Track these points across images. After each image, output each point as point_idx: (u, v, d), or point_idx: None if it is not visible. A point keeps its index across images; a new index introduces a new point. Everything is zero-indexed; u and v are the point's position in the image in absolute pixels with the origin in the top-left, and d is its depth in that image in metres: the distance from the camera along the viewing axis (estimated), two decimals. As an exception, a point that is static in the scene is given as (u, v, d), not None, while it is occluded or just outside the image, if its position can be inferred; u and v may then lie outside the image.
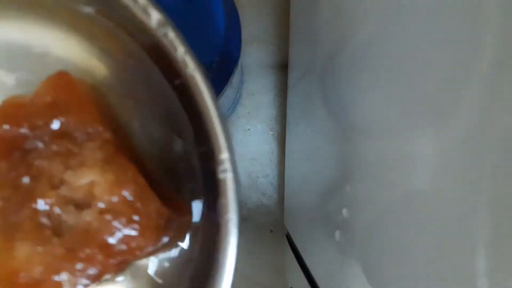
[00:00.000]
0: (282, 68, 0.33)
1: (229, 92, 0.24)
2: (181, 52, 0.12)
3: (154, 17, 0.12)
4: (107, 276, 0.12)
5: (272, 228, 0.34)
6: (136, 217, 0.12)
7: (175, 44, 0.12)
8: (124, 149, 0.13)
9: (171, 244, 0.14)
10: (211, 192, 0.12)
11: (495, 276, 0.08)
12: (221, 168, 0.12)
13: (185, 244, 0.14)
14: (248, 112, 0.34)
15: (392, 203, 0.12)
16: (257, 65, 0.33)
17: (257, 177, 0.34)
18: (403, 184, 0.11)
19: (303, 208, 0.25)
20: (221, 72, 0.19)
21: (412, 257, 0.11)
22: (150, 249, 0.12)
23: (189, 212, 0.14)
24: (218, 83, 0.20)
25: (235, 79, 0.23)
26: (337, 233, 0.16)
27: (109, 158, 0.12)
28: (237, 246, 0.12)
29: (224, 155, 0.12)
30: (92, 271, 0.12)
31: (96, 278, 0.12)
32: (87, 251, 0.12)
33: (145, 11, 0.12)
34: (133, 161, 0.13)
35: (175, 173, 0.14)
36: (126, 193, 0.12)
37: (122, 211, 0.12)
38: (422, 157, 0.10)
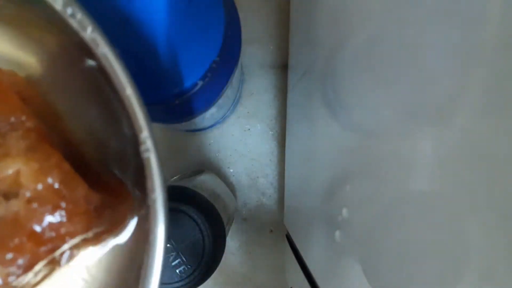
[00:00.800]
0: (282, 68, 0.33)
1: (229, 92, 0.24)
2: (89, 31, 0.12)
3: None
4: (39, 267, 0.12)
5: (272, 228, 0.35)
6: (62, 203, 0.12)
7: (84, 23, 0.12)
8: (50, 137, 0.13)
9: (111, 232, 0.14)
10: (140, 175, 0.12)
11: (493, 275, 0.08)
12: (143, 147, 0.12)
13: (126, 233, 0.14)
14: (248, 112, 0.34)
15: (392, 203, 0.12)
16: (257, 65, 0.33)
17: (257, 177, 0.34)
18: (403, 184, 0.11)
19: (303, 208, 0.25)
20: (221, 72, 0.19)
21: (412, 257, 0.11)
22: (81, 235, 0.12)
23: (129, 197, 0.14)
24: (218, 83, 0.20)
25: (235, 79, 0.23)
26: (337, 233, 0.16)
27: (33, 147, 0.12)
28: (166, 226, 0.12)
29: (144, 133, 0.12)
30: (22, 260, 0.12)
31: (28, 268, 0.12)
32: (16, 240, 0.12)
33: None
34: (68, 149, 0.13)
35: (116, 160, 0.14)
36: (50, 180, 0.12)
37: (48, 198, 0.12)
38: (422, 157, 0.10)
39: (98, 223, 0.13)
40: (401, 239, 0.11)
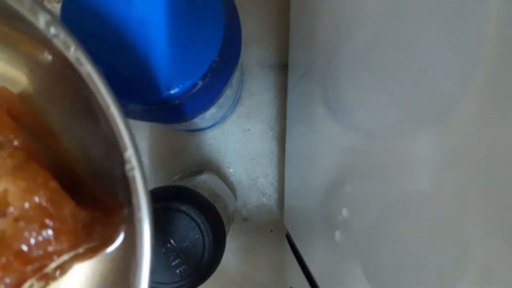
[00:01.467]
0: (282, 68, 0.33)
1: (229, 92, 0.24)
2: (72, 51, 0.12)
3: (42, 18, 0.12)
4: (29, 284, 0.12)
5: (272, 228, 0.35)
6: (49, 222, 0.12)
7: (67, 43, 0.12)
8: (39, 155, 0.13)
9: (103, 247, 0.14)
10: (128, 193, 0.12)
11: (493, 275, 0.08)
12: (128, 166, 0.12)
13: (114, 247, 0.14)
14: (248, 112, 0.34)
15: (392, 203, 0.12)
16: (257, 65, 0.33)
17: (257, 177, 0.34)
18: (403, 184, 0.11)
19: (303, 208, 0.25)
20: (221, 72, 0.19)
21: (412, 257, 0.11)
22: (69, 252, 0.12)
23: (120, 213, 0.14)
24: (218, 83, 0.20)
25: (235, 79, 0.23)
26: (337, 233, 0.16)
27: (20, 165, 0.12)
28: (151, 244, 0.12)
29: (129, 152, 0.12)
30: (9, 279, 0.12)
31: (15, 287, 0.12)
32: (3, 260, 0.12)
33: (33, 12, 0.12)
34: (60, 166, 0.13)
35: (108, 177, 0.14)
36: (37, 199, 0.12)
37: (35, 217, 0.12)
38: (422, 157, 0.10)
39: (88, 239, 0.13)
40: (401, 239, 0.11)
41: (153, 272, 0.21)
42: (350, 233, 0.15)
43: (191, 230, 0.22)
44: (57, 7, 0.30)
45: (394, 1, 0.11)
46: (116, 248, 0.14)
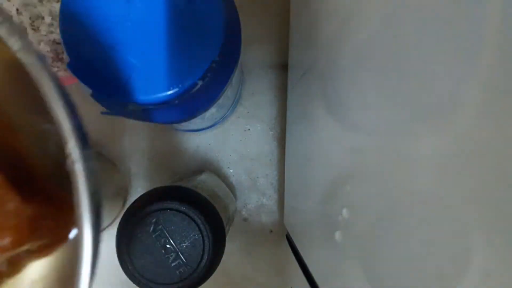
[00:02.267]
0: (282, 68, 0.33)
1: (229, 92, 0.24)
2: (16, 41, 0.11)
3: None
4: None
5: (272, 228, 0.34)
6: None
7: (12, 33, 0.11)
8: None
9: (57, 245, 0.13)
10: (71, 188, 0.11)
11: (493, 276, 0.08)
12: (69, 160, 0.11)
13: (68, 244, 0.13)
14: (248, 112, 0.34)
15: (392, 204, 0.12)
16: (257, 65, 0.33)
17: (257, 177, 0.34)
18: (403, 185, 0.11)
19: (303, 208, 0.25)
20: (221, 72, 0.19)
21: (412, 258, 0.11)
22: (14, 249, 0.12)
23: (72, 211, 0.13)
24: (218, 83, 0.20)
25: (235, 79, 0.23)
26: (337, 234, 0.16)
27: None
28: (92, 243, 0.11)
29: (70, 144, 0.11)
30: None
31: None
32: None
33: None
34: (15, 159, 0.12)
35: (62, 172, 0.14)
36: None
37: None
38: (422, 158, 0.10)
39: (35, 236, 0.12)
40: (401, 239, 0.11)
41: (153, 272, 0.21)
42: (351, 233, 0.15)
43: (191, 231, 0.22)
44: (56, 7, 0.30)
45: (394, 1, 0.11)
46: (70, 244, 0.13)
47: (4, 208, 0.12)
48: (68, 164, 0.11)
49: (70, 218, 0.13)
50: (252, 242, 0.34)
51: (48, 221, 0.13)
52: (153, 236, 0.21)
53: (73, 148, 0.11)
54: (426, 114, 0.10)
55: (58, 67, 0.30)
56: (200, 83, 0.17)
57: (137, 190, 0.34)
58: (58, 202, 0.13)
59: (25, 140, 0.14)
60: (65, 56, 0.29)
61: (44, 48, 0.29)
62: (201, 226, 0.21)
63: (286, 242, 0.30)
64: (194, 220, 0.22)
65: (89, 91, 0.17)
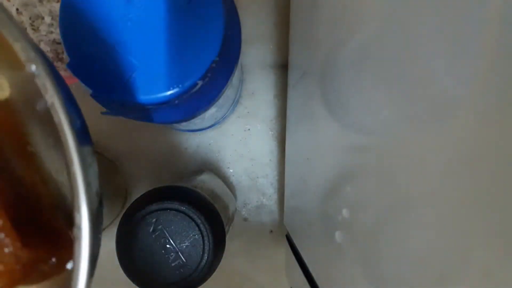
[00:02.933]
0: (282, 68, 0.33)
1: (229, 92, 0.24)
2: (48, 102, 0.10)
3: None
4: None
5: (272, 228, 0.34)
6: None
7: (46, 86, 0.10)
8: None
9: (46, 278, 0.13)
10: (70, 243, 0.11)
11: (494, 276, 0.08)
12: (75, 228, 0.10)
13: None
14: (248, 112, 0.34)
15: (392, 204, 0.12)
16: (257, 65, 0.33)
17: (257, 177, 0.34)
18: (403, 185, 0.11)
19: (303, 208, 0.25)
20: (221, 72, 0.19)
21: (412, 258, 0.11)
22: None
23: (69, 249, 0.13)
24: (218, 83, 0.20)
25: (235, 79, 0.23)
26: (337, 234, 0.16)
27: None
28: (91, 243, 0.10)
29: (79, 212, 0.10)
30: None
31: None
32: None
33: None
34: (22, 190, 0.12)
35: (67, 208, 0.13)
36: None
37: None
38: (423, 158, 0.10)
39: (26, 279, 0.12)
40: (402, 239, 0.11)
41: (153, 272, 0.21)
42: (351, 233, 0.15)
43: (191, 231, 0.22)
44: (56, 7, 0.30)
45: (394, 0, 0.11)
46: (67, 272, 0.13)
47: (1, 252, 0.11)
48: (73, 230, 0.10)
49: (64, 257, 0.12)
50: (252, 242, 0.34)
51: (40, 264, 0.12)
52: (153, 236, 0.21)
53: (83, 216, 0.10)
54: (426, 114, 0.10)
55: (58, 67, 0.30)
56: (200, 83, 0.17)
57: (137, 190, 0.34)
58: (57, 237, 0.13)
59: (39, 166, 0.13)
60: (65, 56, 0.29)
61: (44, 48, 0.29)
62: (201, 226, 0.21)
63: (286, 242, 0.30)
64: (194, 220, 0.22)
65: (89, 91, 0.17)
